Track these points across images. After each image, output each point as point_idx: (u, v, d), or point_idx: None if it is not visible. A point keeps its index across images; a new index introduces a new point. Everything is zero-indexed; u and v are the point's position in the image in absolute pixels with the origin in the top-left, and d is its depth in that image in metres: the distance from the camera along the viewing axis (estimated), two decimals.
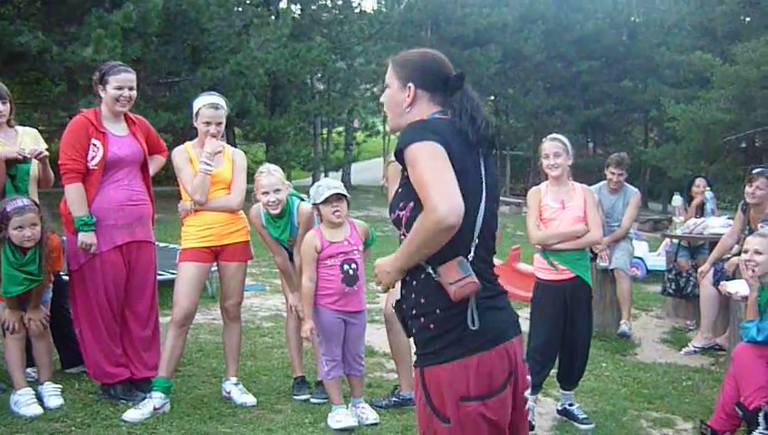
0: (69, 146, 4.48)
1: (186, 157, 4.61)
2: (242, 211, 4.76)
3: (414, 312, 2.31)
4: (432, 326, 2.27)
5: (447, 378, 2.23)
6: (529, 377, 2.43)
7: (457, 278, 2.20)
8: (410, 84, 2.39)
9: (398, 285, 4.53)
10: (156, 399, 4.39)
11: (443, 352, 2.24)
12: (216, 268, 4.85)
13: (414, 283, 2.30)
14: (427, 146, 2.19)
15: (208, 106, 4.58)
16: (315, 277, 4.37)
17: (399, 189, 2.35)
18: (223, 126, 4.66)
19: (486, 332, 2.24)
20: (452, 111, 2.36)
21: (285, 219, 4.68)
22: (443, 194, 2.11)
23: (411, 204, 2.26)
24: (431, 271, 2.24)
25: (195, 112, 4.62)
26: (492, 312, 2.28)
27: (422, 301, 2.28)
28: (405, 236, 2.29)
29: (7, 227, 4.23)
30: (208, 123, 4.56)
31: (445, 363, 2.24)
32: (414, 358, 2.37)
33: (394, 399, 4.75)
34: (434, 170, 2.16)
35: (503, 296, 2.39)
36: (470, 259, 2.26)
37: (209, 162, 4.49)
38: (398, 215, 2.33)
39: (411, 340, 2.40)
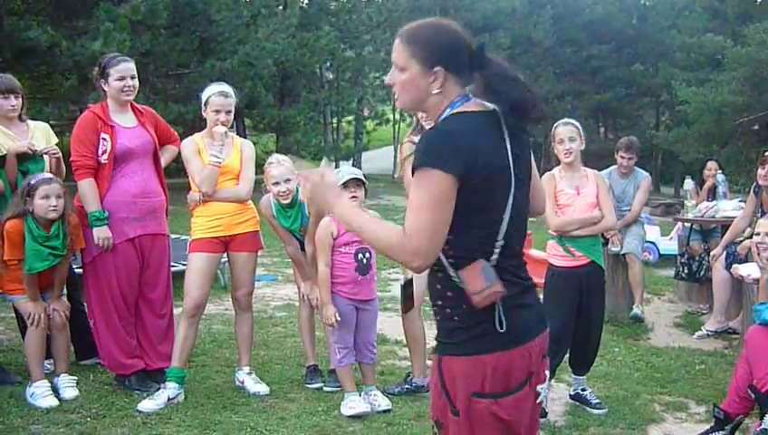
0: (78, 142, 4.51)
1: (194, 148, 4.62)
2: (251, 201, 4.78)
3: (440, 302, 2.22)
4: (457, 319, 2.17)
5: (463, 371, 2.15)
6: (547, 371, 2.31)
7: (481, 288, 2.08)
8: (438, 68, 2.14)
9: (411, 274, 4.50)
10: (170, 389, 4.43)
11: (464, 345, 2.16)
12: (226, 259, 4.87)
13: (440, 274, 2.18)
14: (439, 179, 2.02)
15: (218, 94, 4.60)
16: (331, 263, 4.38)
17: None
18: (232, 115, 4.68)
19: (511, 332, 2.13)
20: (488, 94, 2.16)
21: (296, 209, 4.70)
22: (425, 245, 2.02)
23: (450, 237, 2.09)
24: (453, 274, 2.13)
25: (204, 102, 4.64)
26: (518, 311, 2.17)
27: (449, 294, 2.18)
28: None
29: (33, 198, 4.30)
30: (218, 111, 4.58)
31: (463, 356, 2.15)
32: (434, 343, 2.30)
33: (407, 386, 4.77)
34: (430, 213, 2.03)
35: (531, 291, 2.27)
36: (494, 260, 2.13)
37: (218, 154, 4.50)
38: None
39: (433, 324, 2.32)
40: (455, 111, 2.16)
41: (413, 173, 2.09)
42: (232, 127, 4.72)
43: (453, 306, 2.18)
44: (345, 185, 4.30)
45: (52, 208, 4.32)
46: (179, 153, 4.84)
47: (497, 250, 2.14)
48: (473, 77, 2.19)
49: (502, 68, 2.19)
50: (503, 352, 2.13)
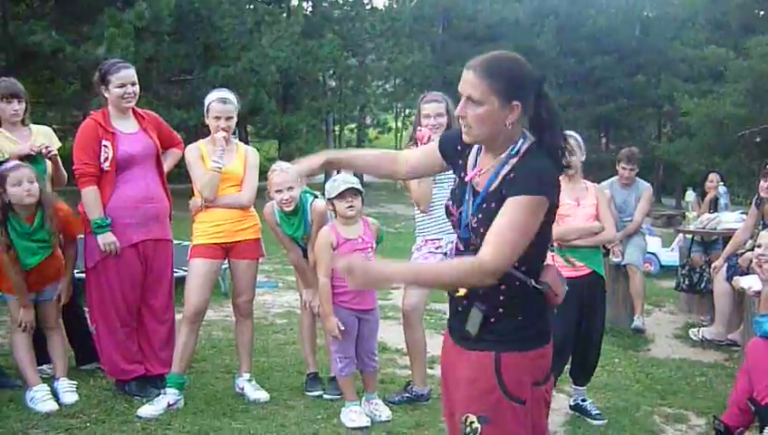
0: (80, 150, 4.51)
1: (197, 154, 4.64)
2: (253, 209, 4.78)
3: (501, 311, 2.35)
4: (521, 318, 2.35)
5: (528, 364, 2.36)
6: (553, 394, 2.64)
7: (562, 291, 2.41)
8: (516, 103, 2.24)
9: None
10: (170, 395, 4.43)
11: (527, 341, 2.36)
12: (227, 265, 4.87)
13: (502, 287, 2.30)
14: (542, 206, 2.24)
15: (217, 101, 4.62)
16: (330, 273, 4.38)
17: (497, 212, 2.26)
18: (234, 121, 4.69)
19: (548, 327, 2.45)
20: (533, 121, 2.32)
21: (299, 216, 4.69)
22: (505, 265, 2.20)
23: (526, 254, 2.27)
24: (536, 285, 2.34)
25: (206, 108, 4.67)
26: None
27: (516, 301, 2.34)
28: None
29: (5, 188, 4.26)
30: (218, 118, 4.60)
31: (527, 351, 2.35)
32: (477, 342, 2.38)
33: (407, 395, 4.76)
34: (520, 237, 2.20)
35: None
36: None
37: (219, 160, 4.52)
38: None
39: (475, 327, 2.38)
40: (527, 143, 2.33)
41: (509, 195, 2.23)
42: (235, 133, 4.72)
43: (520, 310, 2.36)
44: (342, 194, 4.31)
45: (27, 193, 4.28)
46: (182, 158, 4.85)
47: (545, 260, 2.43)
48: (532, 110, 2.31)
49: (551, 107, 2.34)
50: (548, 345, 2.44)
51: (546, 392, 2.46)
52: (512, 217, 2.20)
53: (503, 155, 2.32)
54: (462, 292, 2.39)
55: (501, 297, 2.34)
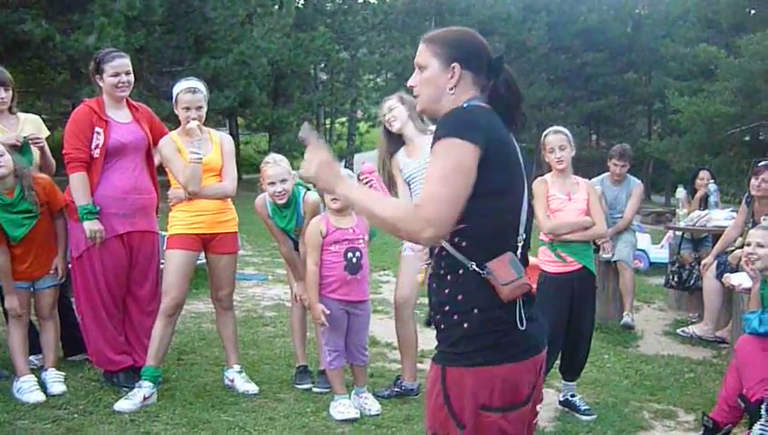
0: (72, 135, 4.48)
1: (174, 147, 4.55)
2: (230, 202, 4.74)
3: (446, 308, 2.14)
4: (466, 326, 2.11)
5: (472, 384, 2.10)
6: (543, 390, 2.30)
7: (511, 279, 2.07)
8: (455, 64, 2.21)
9: (406, 277, 4.50)
10: (145, 388, 4.38)
11: (474, 356, 2.10)
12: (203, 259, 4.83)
13: (449, 277, 2.14)
14: (460, 148, 2.03)
15: (185, 91, 4.53)
16: (319, 262, 4.37)
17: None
18: (204, 111, 4.59)
19: (523, 342, 2.13)
20: (492, 96, 2.24)
21: (291, 209, 4.67)
22: (441, 213, 1.99)
23: (464, 226, 2.08)
24: (477, 268, 2.08)
25: (174, 99, 4.57)
26: (530, 322, 2.14)
27: (459, 298, 2.12)
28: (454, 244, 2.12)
29: None
30: (188, 109, 4.51)
31: (472, 368, 2.10)
32: (435, 353, 2.22)
33: (396, 389, 4.75)
34: (449, 182, 2.02)
35: (535, 302, 2.26)
36: (519, 255, 2.15)
37: (198, 151, 4.44)
38: (439, 245, 2.14)
39: (435, 334, 2.24)
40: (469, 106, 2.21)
41: (435, 143, 2.09)
42: (225, 126, 4.67)
43: (462, 312, 2.12)
44: None
45: None
46: None
47: (520, 244, 2.17)
48: (490, 85, 2.25)
49: (511, 77, 2.28)
50: (513, 364, 2.11)
51: (508, 423, 2.12)
52: (433, 163, 2.07)
53: None
54: (420, 278, 2.32)
55: (446, 290, 2.14)
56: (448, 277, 2.14)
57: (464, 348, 2.12)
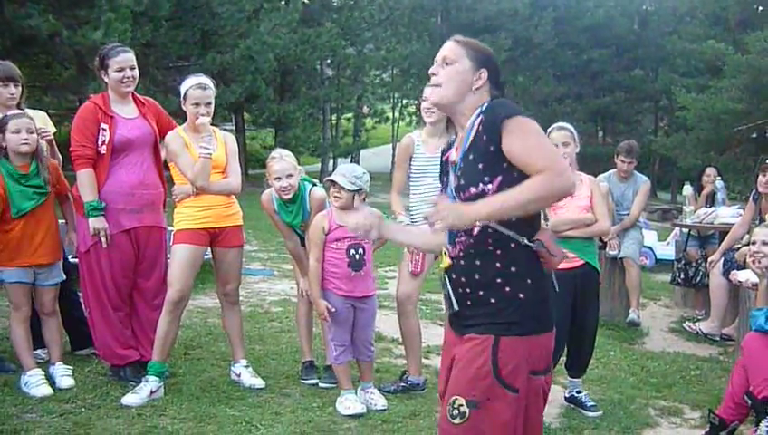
0: (78, 132, 4.49)
1: (181, 142, 4.54)
2: (234, 197, 4.75)
3: (499, 281, 2.32)
4: (522, 296, 2.32)
5: (525, 351, 2.31)
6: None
7: (558, 252, 2.36)
8: (483, 70, 2.45)
9: (407, 272, 4.51)
10: (152, 382, 4.39)
11: (526, 324, 2.31)
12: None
13: (498, 251, 2.32)
14: (533, 122, 2.31)
15: (195, 87, 4.53)
16: (322, 258, 4.38)
17: (479, 164, 2.33)
18: (212, 107, 4.60)
19: (550, 316, 2.40)
20: None
21: (298, 204, 4.68)
22: (564, 165, 2.24)
23: (500, 178, 2.30)
24: (528, 242, 2.31)
25: (182, 95, 4.57)
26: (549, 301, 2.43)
27: (513, 269, 2.32)
28: None
29: (5, 133, 4.32)
30: (197, 104, 4.51)
31: (525, 336, 2.31)
32: (478, 325, 2.36)
33: (402, 384, 4.76)
34: (548, 144, 2.32)
35: None
36: None
37: (208, 146, 4.44)
38: (483, 189, 2.31)
39: (471, 312, 2.40)
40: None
41: (503, 123, 2.28)
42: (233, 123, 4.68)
43: (518, 282, 2.32)
44: (334, 181, 4.32)
45: (24, 141, 4.32)
46: None
47: (537, 224, 2.41)
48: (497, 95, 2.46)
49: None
50: (550, 333, 2.40)
51: (546, 384, 2.41)
52: (525, 134, 2.28)
53: (469, 121, 2.42)
54: (446, 262, 2.41)
55: (497, 264, 2.33)
56: (498, 252, 2.32)
57: (518, 317, 2.32)
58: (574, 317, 4.54)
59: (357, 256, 4.39)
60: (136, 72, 4.63)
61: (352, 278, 4.40)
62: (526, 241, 2.31)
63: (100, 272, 4.58)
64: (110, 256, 4.56)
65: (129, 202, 4.56)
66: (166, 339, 4.50)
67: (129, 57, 4.60)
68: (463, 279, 2.38)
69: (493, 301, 2.33)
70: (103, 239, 4.48)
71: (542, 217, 2.45)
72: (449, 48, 2.48)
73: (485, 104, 2.40)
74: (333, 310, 4.36)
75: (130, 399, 4.30)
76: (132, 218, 4.59)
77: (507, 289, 2.32)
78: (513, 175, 2.27)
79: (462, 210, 2.28)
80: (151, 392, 4.35)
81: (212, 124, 4.63)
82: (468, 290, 2.37)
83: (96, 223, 4.45)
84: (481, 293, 2.35)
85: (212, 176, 4.55)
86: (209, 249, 4.74)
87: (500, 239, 2.31)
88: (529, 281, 2.33)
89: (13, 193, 4.33)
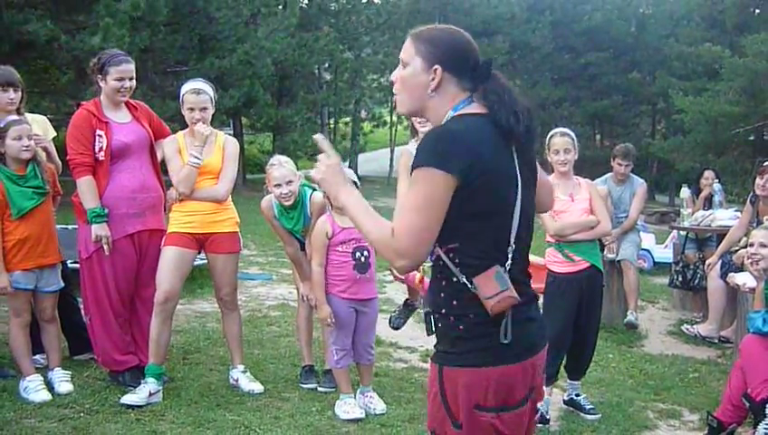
0: (74, 140, 4.50)
1: (175, 147, 4.58)
2: (231, 203, 4.75)
3: (443, 311, 2.15)
4: (462, 328, 2.12)
5: (466, 383, 2.11)
6: (545, 387, 2.32)
7: (495, 292, 2.06)
8: (437, 66, 2.13)
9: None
10: (151, 384, 4.40)
11: (468, 356, 2.11)
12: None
13: (443, 283, 2.15)
14: (436, 179, 2.02)
15: (191, 92, 4.56)
16: (324, 263, 4.39)
17: (445, 222, 2.08)
18: (209, 112, 4.60)
19: (517, 345, 2.11)
20: (484, 101, 2.15)
21: (299, 210, 4.68)
22: (413, 246, 2.03)
23: (456, 245, 2.10)
24: (466, 282, 2.09)
25: (180, 99, 4.61)
26: (525, 324, 2.15)
27: (454, 303, 2.13)
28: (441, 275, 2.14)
29: (4, 139, 4.33)
30: (192, 109, 4.53)
31: (467, 368, 2.11)
32: (433, 353, 2.23)
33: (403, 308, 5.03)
34: (422, 214, 2.03)
35: (536, 304, 2.26)
36: (507, 266, 2.12)
37: (198, 155, 4.45)
38: (437, 253, 2.14)
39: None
40: (457, 113, 2.15)
41: (411, 172, 2.07)
42: (230, 126, 4.69)
43: (458, 315, 2.13)
44: None
45: (25, 148, 4.34)
46: None
47: (510, 255, 2.13)
48: (480, 90, 2.17)
49: (500, 86, 2.18)
50: (507, 366, 2.11)
51: (502, 423, 2.11)
52: (410, 190, 2.07)
53: None
54: (418, 277, 2.33)
55: (441, 294, 2.16)
56: (443, 283, 2.15)
57: (459, 348, 2.13)
58: (578, 320, 4.55)
59: (362, 259, 4.40)
60: (134, 84, 4.65)
61: (358, 281, 4.41)
62: (464, 280, 2.09)
63: (102, 278, 4.57)
64: (114, 261, 4.56)
65: (132, 206, 4.57)
66: (159, 341, 4.50)
67: (130, 68, 4.60)
68: (426, 298, 2.29)
69: (440, 326, 2.18)
70: (105, 247, 4.48)
71: (510, 247, 2.14)
72: (404, 47, 2.20)
73: (444, 118, 2.15)
74: (335, 320, 4.38)
75: (130, 398, 4.31)
76: (136, 222, 4.60)
77: (451, 319, 2.14)
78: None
79: (334, 180, 2.19)
80: (150, 393, 4.36)
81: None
82: (429, 309, 2.23)
83: (99, 230, 4.46)
84: (435, 316, 2.20)
85: (204, 181, 4.57)
86: (205, 254, 4.75)
87: (446, 272, 2.13)
88: (471, 316, 2.10)
89: (12, 194, 4.33)
